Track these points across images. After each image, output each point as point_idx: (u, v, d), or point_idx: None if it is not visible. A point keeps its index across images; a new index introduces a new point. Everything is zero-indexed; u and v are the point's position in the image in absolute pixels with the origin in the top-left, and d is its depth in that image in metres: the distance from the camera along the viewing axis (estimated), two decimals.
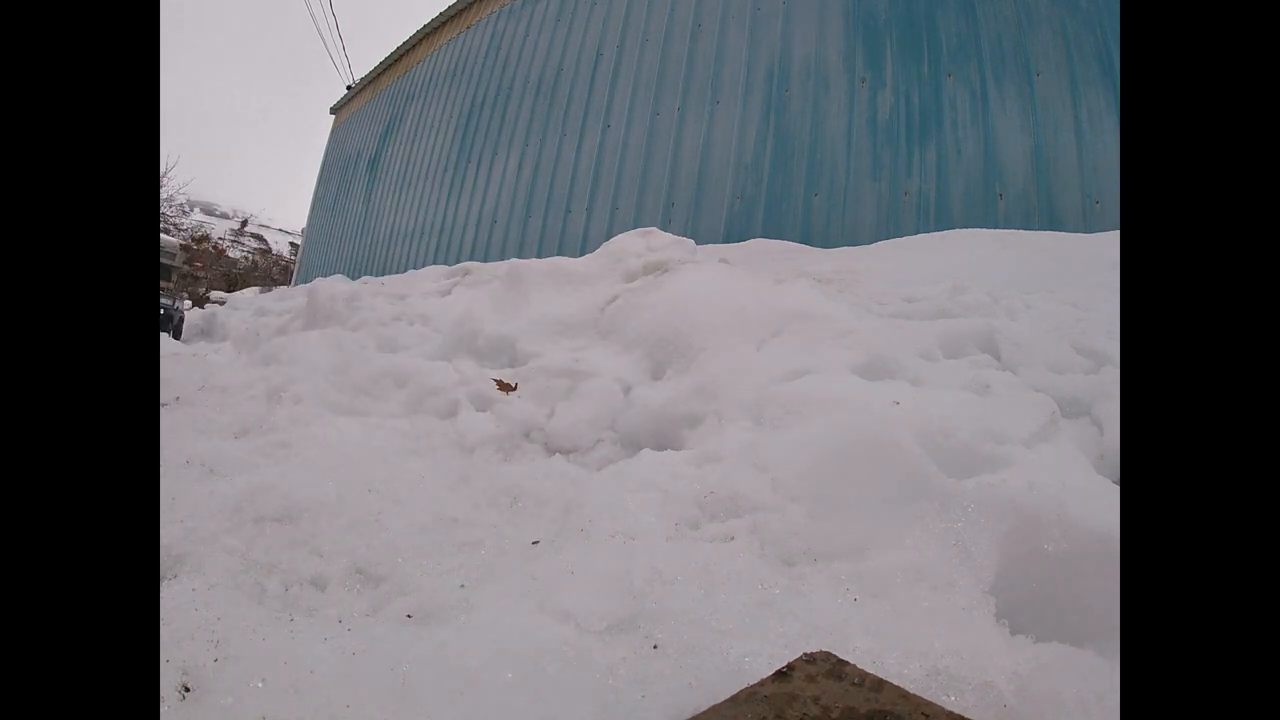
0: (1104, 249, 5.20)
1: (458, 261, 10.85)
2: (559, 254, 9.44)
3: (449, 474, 2.88)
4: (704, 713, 1.23)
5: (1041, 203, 6.56)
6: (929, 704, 1.20)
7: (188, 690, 1.39)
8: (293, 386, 4.01)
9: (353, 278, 12.32)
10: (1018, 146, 6.81)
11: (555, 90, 11.35)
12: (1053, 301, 4.19)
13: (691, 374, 3.18)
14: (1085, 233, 6.02)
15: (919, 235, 6.74)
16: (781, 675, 1.28)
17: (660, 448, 2.82)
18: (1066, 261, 5.14)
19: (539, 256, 9.57)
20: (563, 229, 10.22)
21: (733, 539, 2.02)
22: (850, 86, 7.98)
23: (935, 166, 7.16)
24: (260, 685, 1.41)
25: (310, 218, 20.02)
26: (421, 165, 14.39)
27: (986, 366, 3.25)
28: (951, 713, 1.18)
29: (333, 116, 20.94)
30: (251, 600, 1.91)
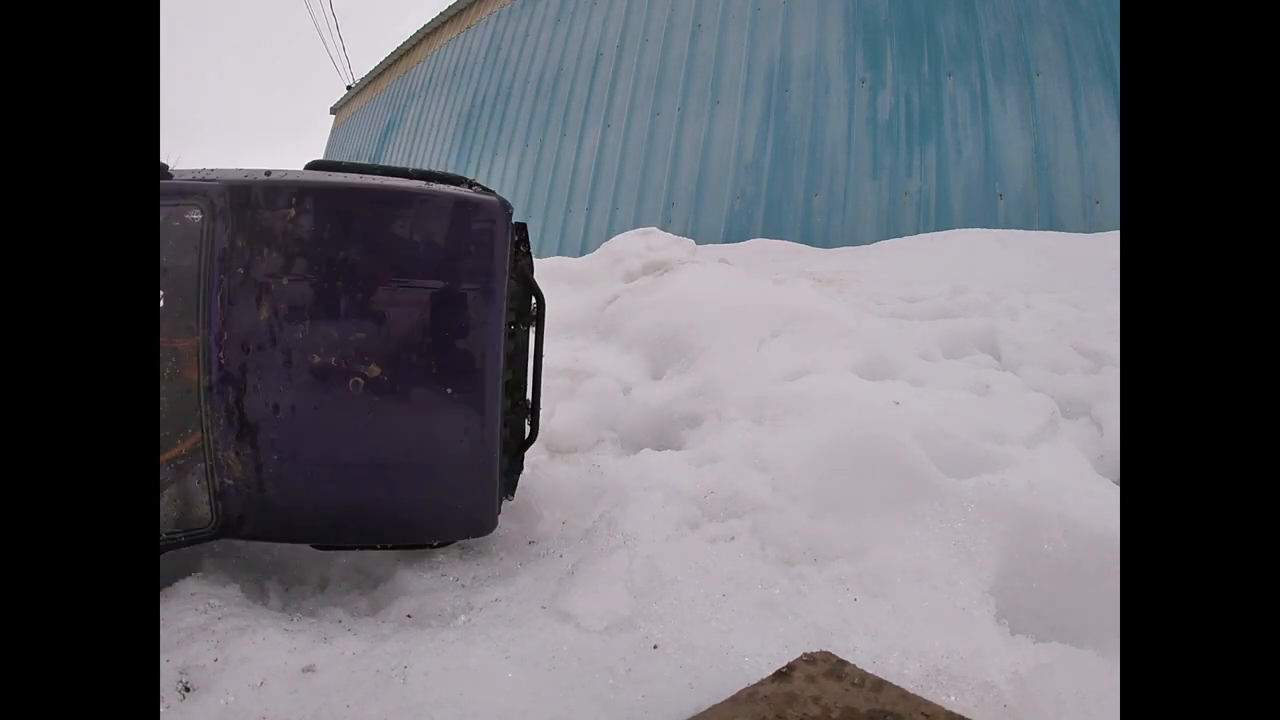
0: (1104, 249, 5.20)
1: None
2: (559, 254, 9.44)
3: None
4: (704, 713, 1.23)
5: (1041, 203, 6.56)
6: (929, 704, 1.20)
7: (188, 690, 1.39)
8: None
9: None
10: (1018, 146, 6.81)
11: (555, 90, 11.36)
12: (1053, 301, 4.19)
13: (692, 374, 3.18)
14: (1085, 233, 6.02)
15: (919, 235, 6.73)
16: (781, 675, 1.28)
17: (660, 448, 2.81)
18: (1066, 261, 5.14)
19: (539, 256, 9.57)
20: (563, 229, 10.22)
21: (733, 539, 2.02)
22: (850, 86, 7.98)
23: (935, 166, 7.16)
24: (260, 685, 1.41)
25: None
26: (422, 165, 14.42)
27: (986, 366, 3.25)
28: (951, 713, 1.18)
29: (333, 116, 20.95)
30: (252, 600, 1.91)
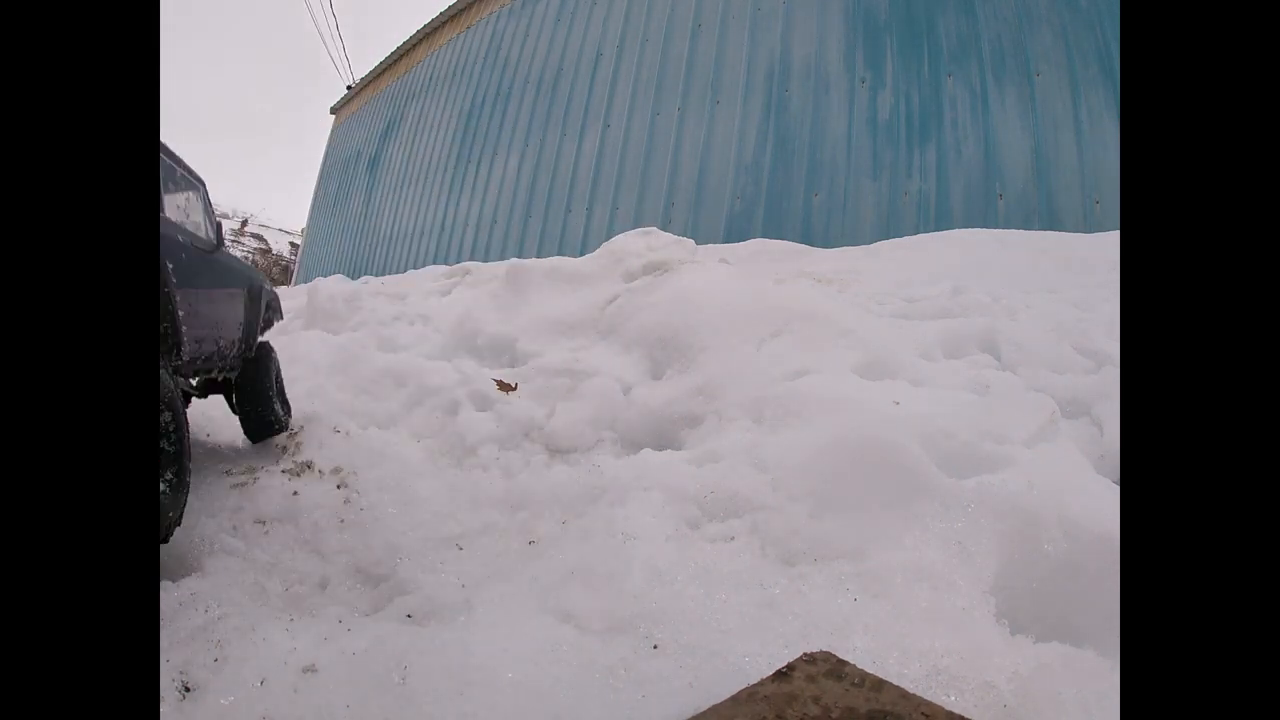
0: (1104, 249, 5.20)
1: (458, 261, 10.85)
2: (559, 254, 9.44)
3: (448, 473, 2.88)
4: (704, 713, 1.23)
5: (1041, 203, 6.56)
6: (929, 704, 1.20)
7: (188, 690, 1.39)
8: (291, 387, 4.01)
9: (353, 278, 12.33)
10: (1018, 146, 6.81)
11: (555, 90, 11.36)
12: (1053, 301, 4.18)
13: (692, 374, 3.18)
14: (1085, 233, 6.02)
15: (919, 235, 6.73)
16: (781, 675, 1.28)
17: (660, 447, 2.81)
18: (1066, 261, 5.14)
19: (539, 256, 9.57)
20: (563, 229, 10.22)
21: (733, 539, 2.02)
22: (850, 86, 7.98)
23: (935, 166, 7.16)
24: (260, 685, 1.41)
25: (310, 217, 20.03)
26: (422, 165, 14.39)
27: (986, 366, 3.25)
28: (951, 713, 1.18)
29: (333, 116, 20.95)
30: (252, 600, 1.91)
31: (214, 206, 2.90)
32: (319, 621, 1.73)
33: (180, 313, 2.11)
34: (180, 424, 2.00)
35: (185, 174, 2.58)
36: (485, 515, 2.47)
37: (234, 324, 2.80)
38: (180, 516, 1.95)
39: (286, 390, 3.68)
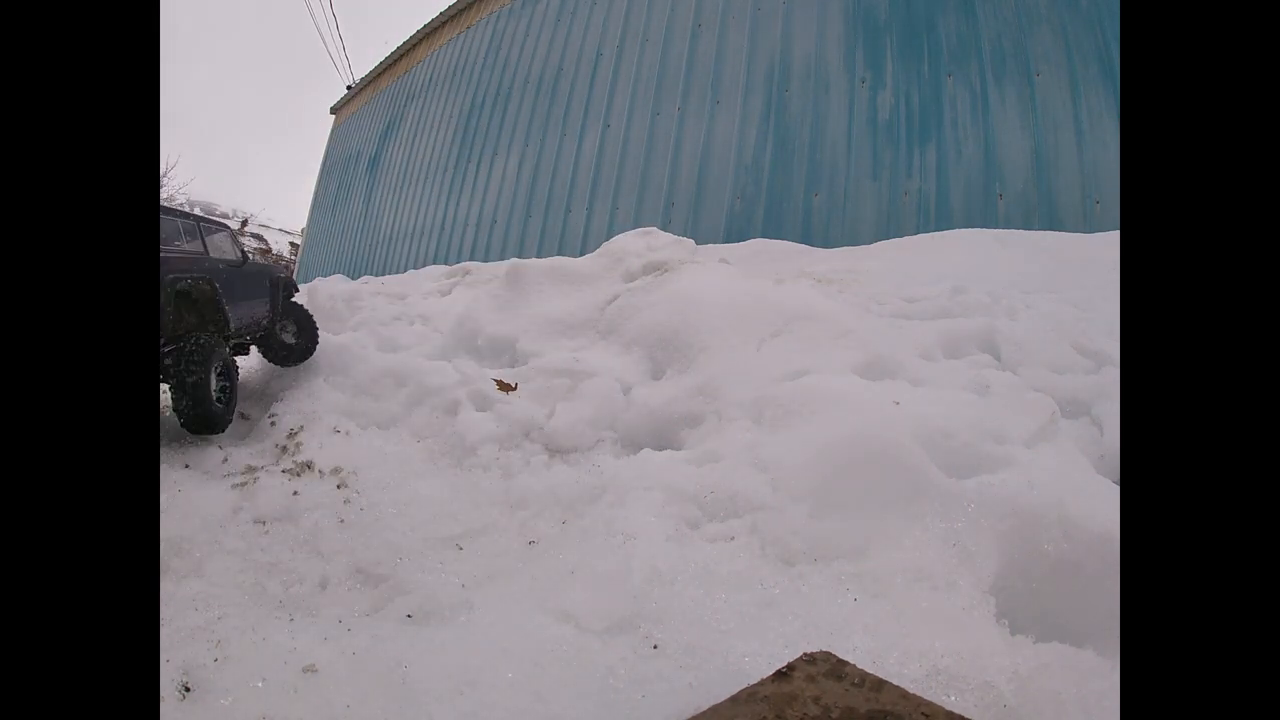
0: (1104, 249, 5.20)
1: (458, 261, 10.85)
2: (559, 254, 9.44)
3: (448, 473, 2.88)
4: (704, 713, 1.23)
5: (1041, 203, 6.56)
6: (929, 704, 1.20)
7: (188, 690, 1.39)
8: (291, 387, 4.00)
9: (353, 277, 12.33)
10: (1018, 146, 6.81)
11: (555, 90, 11.36)
12: (1053, 301, 4.18)
13: (691, 374, 3.18)
14: (1085, 233, 6.01)
15: (919, 235, 6.73)
16: (782, 675, 1.28)
17: (660, 447, 2.81)
18: (1066, 262, 5.14)
19: (539, 256, 9.57)
20: (563, 229, 10.22)
21: (733, 539, 2.02)
22: (850, 86, 7.98)
23: (935, 166, 7.16)
24: (260, 685, 1.41)
25: (310, 217, 20.03)
26: (422, 165, 14.39)
27: (986, 366, 3.25)
28: (951, 713, 1.18)
29: (333, 116, 20.95)
30: (252, 600, 1.91)
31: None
32: (319, 621, 1.73)
33: (226, 306, 3.34)
34: (231, 366, 3.33)
35: (219, 225, 3.89)
36: (485, 515, 2.47)
37: (262, 305, 4.05)
38: (228, 423, 3.21)
39: (287, 390, 3.89)
